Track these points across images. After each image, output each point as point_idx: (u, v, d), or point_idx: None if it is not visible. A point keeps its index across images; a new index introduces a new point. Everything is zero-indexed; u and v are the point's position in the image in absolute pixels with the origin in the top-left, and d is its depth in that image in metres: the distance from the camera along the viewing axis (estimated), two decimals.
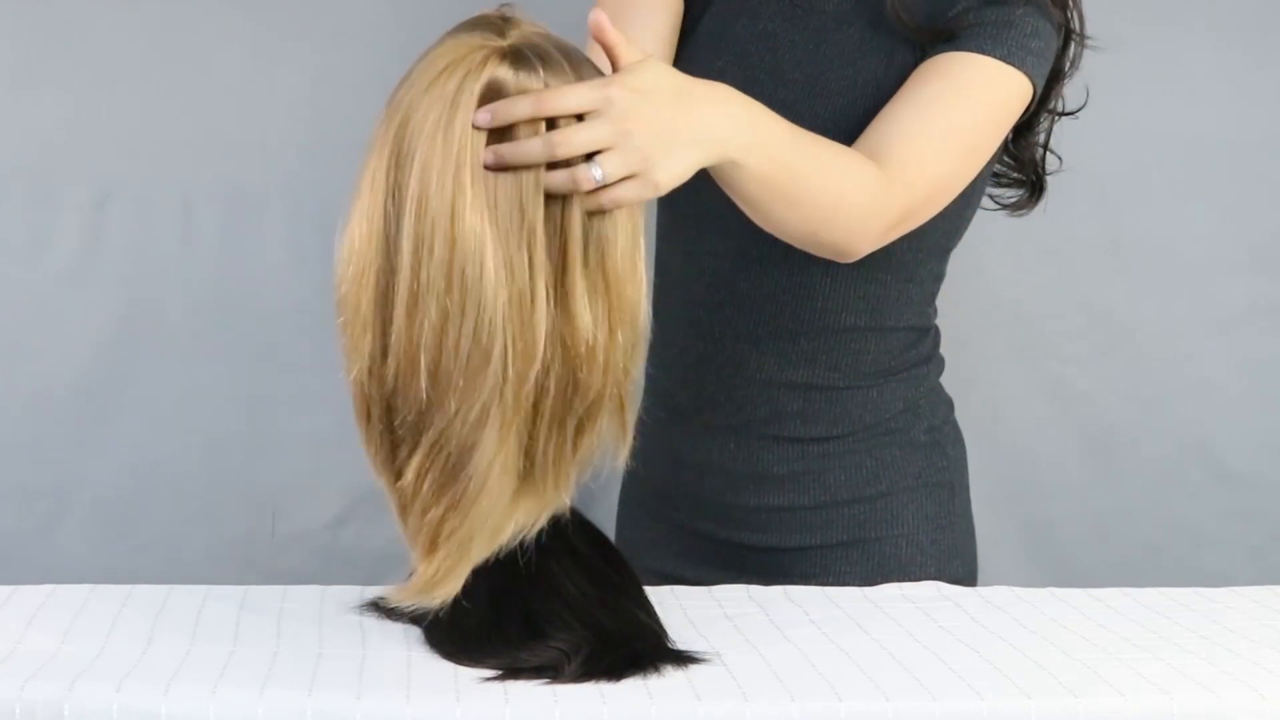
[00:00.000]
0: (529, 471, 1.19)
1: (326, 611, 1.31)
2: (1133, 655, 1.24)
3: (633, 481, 1.67)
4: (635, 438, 1.22)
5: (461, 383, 1.14)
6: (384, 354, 1.16)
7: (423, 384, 1.15)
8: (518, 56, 1.16)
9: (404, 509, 1.19)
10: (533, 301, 1.15)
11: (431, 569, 1.19)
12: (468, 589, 1.22)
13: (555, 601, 1.22)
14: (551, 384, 1.16)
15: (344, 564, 2.09)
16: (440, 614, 1.22)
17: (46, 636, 1.22)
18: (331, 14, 2.10)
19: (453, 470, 1.16)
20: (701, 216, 1.57)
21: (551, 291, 1.15)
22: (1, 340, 2.10)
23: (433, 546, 1.18)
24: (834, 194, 1.34)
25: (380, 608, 1.31)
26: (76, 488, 2.12)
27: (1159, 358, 2.22)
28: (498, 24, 1.19)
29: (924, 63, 1.47)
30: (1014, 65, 1.45)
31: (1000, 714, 1.13)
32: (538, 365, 1.15)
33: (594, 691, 1.14)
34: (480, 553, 1.19)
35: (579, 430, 1.19)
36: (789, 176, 1.30)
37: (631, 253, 1.19)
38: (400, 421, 1.17)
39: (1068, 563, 2.21)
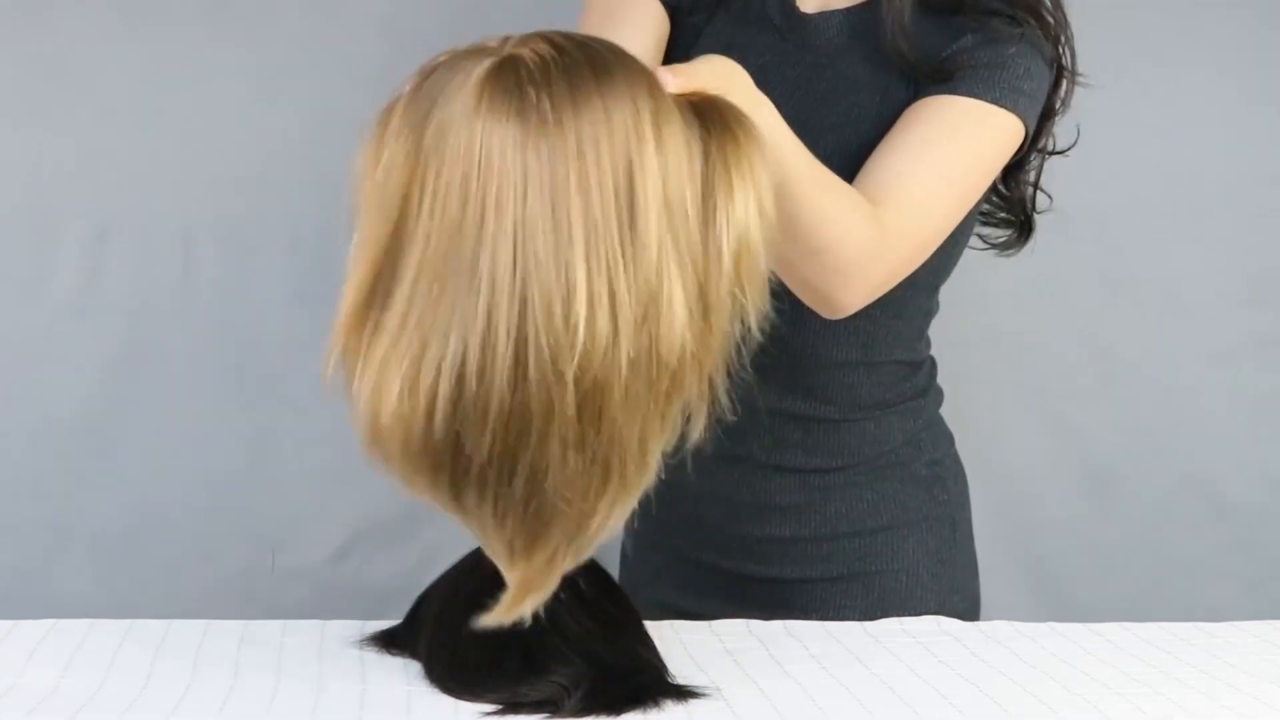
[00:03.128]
0: (612, 462, 1.12)
1: (327, 646, 1.30)
2: (1133, 690, 1.24)
3: (636, 512, 1.67)
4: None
5: (505, 410, 1.09)
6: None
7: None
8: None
9: (484, 535, 1.14)
10: (591, 304, 1.08)
11: (523, 583, 1.14)
12: (465, 624, 1.21)
13: (555, 636, 1.21)
14: (624, 365, 1.10)
15: (344, 598, 2.09)
16: (440, 648, 1.22)
17: (47, 671, 1.22)
18: (331, 48, 2.11)
19: (528, 498, 1.11)
20: None
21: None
22: (2, 374, 2.10)
23: (519, 560, 1.14)
24: (830, 223, 1.32)
25: (380, 642, 1.31)
26: (77, 522, 2.12)
27: (1157, 391, 2.22)
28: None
29: (916, 104, 1.47)
30: (1005, 108, 1.46)
31: None
32: (575, 363, 1.08)
33: None
34: (579, 554, 1.15)
35: (666, 400, 1.13)
36: (786, 179, 1.26)
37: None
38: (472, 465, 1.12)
39: (1068, 597, 2.21)
